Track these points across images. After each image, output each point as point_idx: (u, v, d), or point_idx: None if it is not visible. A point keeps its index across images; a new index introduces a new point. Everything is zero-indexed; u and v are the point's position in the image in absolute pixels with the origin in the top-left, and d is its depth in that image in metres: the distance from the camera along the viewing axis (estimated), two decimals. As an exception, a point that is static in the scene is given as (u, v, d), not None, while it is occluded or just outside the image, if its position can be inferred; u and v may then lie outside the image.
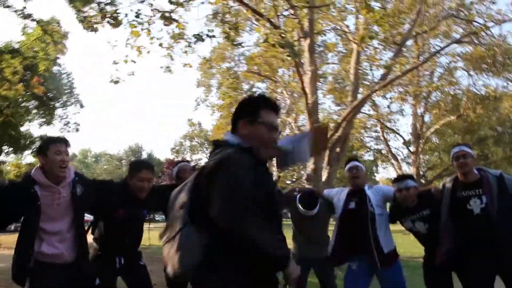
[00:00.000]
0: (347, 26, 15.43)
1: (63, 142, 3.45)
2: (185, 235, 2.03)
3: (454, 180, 4.04)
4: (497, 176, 3.86)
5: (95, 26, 7.64)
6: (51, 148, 3.35)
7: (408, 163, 28.20)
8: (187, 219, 2.07)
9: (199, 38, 7.56)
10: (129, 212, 3.89)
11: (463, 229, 3.85)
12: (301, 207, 4.62)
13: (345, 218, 4.36)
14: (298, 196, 4.71)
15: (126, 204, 3.88)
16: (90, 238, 3.80)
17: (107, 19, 7.73)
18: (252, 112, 2.27)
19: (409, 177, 4.29)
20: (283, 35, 7.42)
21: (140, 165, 4.06)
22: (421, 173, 26.57)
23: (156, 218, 31.87)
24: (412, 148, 25.43)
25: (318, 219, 4.74)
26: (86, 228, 3.84)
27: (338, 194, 4.60)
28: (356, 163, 4.55)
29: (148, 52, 8.77)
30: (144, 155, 55.33)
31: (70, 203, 3.38)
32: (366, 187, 4.43)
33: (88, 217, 4.18)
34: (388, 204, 4.51)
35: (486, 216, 3.74)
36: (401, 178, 4.29)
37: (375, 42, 15.82)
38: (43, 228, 3.28)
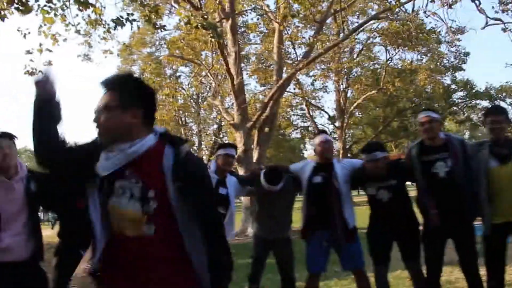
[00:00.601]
0: (268, 6, 15.40)
1: (2, 136, 3.30)
2: None
3: (419, 144, 4.02)
4: (460, 140, 3.98)
5: (2, 13, 6.95)
6: None
7: (334, 138, 29.05)
8: None
9: (118, 22, 7.10)
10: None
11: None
12: (265, 183, 4.44)
13: (310, 192, 4.26)
14: (263, 171, 4.54)
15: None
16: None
17: (15, 5, 7.08)
18: None
19: (378, 147, 4.18)
20: (205, 16, 7.17)
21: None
22: (347, 147, 27.45)
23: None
24: (337, 124, 26.18)
25: (282, 196, 4.54)
26: (51, 225, 3.72)
27: (304, 167, 4.44)
28: (326, 136, 4.45)
29: (65, 40, 8.23)
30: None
31: (24, 200, 3.26)
32: (335, 161, 4.31)
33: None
34: None
35: (451, 179, 3.82)
36: (369, 148, 4.18)
37: (296, 21, 16.00)
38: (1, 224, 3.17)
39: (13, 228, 3.19)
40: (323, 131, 4.57)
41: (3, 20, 6.88)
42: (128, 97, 1.86)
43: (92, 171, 1.87)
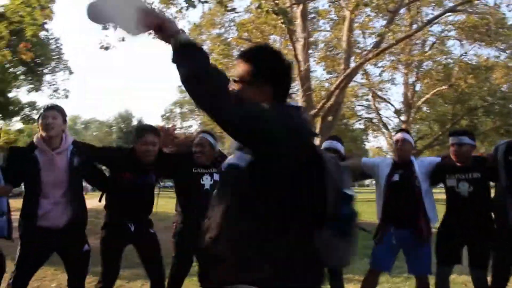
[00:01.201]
0: (340, -7, 15.18)
1: (50, 108, 3.57)
2: None
3: (508, 143, 3.93)
4: None
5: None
6: (41, 115, 3.56)
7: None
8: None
9: (190, 3, 7.32)
10: (136, 177, 3.88)
11: None
12: None
13: (388, 190, 4.15)
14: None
15: (133, 169, 3.87)
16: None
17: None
18: None
19: (467, 133, 4.11)
20: (276, 1, 7.24)
21: (143, 129, 4.01)
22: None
23: (165, 185, 31.63)
24: (403, 117, 25.49)
25: None
26: (99, 197, 4.00)
27: (381, 163, 4.38)
28: (405, 135, 4.30)
29: (138, 17, 8.54)
30: (134, 122, 55.00)
31: (66, 172, 3.48)
32: (413, 159, 4.23)
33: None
34: None
35: None
36: (457, 132, 4.15)
37: (368, 10, 15.66)
38: (42, 191, 3.42)
39: (52, 196, 3.43)
40: (404, 130, 4.49)
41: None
42: (258, 71, 1.78)
43: None
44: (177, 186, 4.35)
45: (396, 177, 4.13)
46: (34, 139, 3.53)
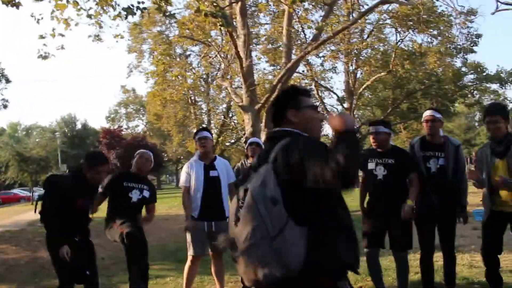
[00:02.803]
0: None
1: None
2: (290, 234, 1.92)
3: (421, 139, 4.50)
4: (455, 145, 4.37)
5: (16, 0, 7.08)
6: None
7: (342, 119, 29.06)
8: (286, 216, 1.94)
9: (129, 12, 7.20)
10: (87, 200, 4.19)
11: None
12: None
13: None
14: None
15: (83, 193, 4.11)
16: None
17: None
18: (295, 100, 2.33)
19: (383, 122, 4.66)
20: (215, 4, 7.26)
21: (97, 159, 4.25)
22: (355, 127, 27.49)
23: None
24: (346, 105, 26.19)
25: None
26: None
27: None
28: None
29: (77, 24, 8.33)
30: (79, 125, 53.36)
31: None
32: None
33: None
34: None
35: (440, 176, 4.31)
36: (374, 123, 4.67)
37: (305, 3, 15.93)
38: None
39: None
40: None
41: (18, 8, 7.03)
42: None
43: None
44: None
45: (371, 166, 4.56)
46: None
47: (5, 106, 20.55)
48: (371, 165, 4.51)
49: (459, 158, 4.34)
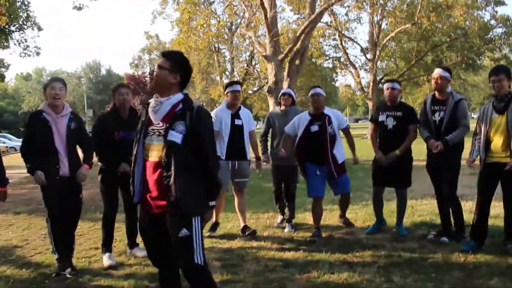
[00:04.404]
0: None
1: (58, 80, 4.48)
2: None
3: (432, 96, 5.05)
4: (455, 100, 4.83)
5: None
6: (48, 86, 4.38)
7: (365, 70, 29.02)
8: None
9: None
10: (122, 133, 4.69)
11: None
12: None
13: (307, 137, 5.26)
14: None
15: (119, 127, 4.70)
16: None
17: None
18: None
19: (397, 81, 5.52)
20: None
21: (116, 86, 4.90)
22: (378, 79, 27.47)
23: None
24: (369, 56, 26.11)
25: None
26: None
27: (299, 120, 5.39)
28: (318, 90, 5.37)
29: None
30: (103, 71, 54.13)
31: (65, 133, 4.34)
32: (326, 110, 5.34)
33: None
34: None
35: (440, 127, 4.85)
36: (390, 80, 5.52)
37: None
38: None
39: (60, 153, 4.32)
40: (317, 86, 5.61)
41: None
42: (174, 64, 2.77)
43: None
44: None
45: (315, 128, 5.23)
46: (41, 106, 4.40)
47: (37, 54, 21.11)
48: (382, 117, 5.31)
49: (457, 112, 4.79)
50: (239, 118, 5.48)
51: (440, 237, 4.93)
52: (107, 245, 4.77)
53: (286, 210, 5.87)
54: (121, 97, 4.74)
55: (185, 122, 2.68)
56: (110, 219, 4.81)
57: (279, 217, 6.05)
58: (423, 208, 6.56)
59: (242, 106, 5.74)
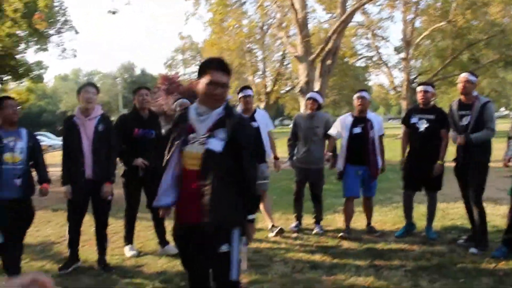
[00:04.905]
0: None
1: (91, 85, 4.74)
2: None
3: (459, 100, 4.96)
4: (481, 103, 4.74)
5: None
6: (82, 90, 4.58)
7: (399, 69, 28.61)
8: None
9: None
10: (141, 131, 5.04)
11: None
12: None
13: (349, 139, 5.44)
14: None
15: (139, 124, 5.04)
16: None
17: None
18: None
19: (431, 85, 5.58)
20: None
21: (136, 88, 5.30)
22: (411, 78, 27.02)
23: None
24: (402, 55, 25.73)
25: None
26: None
27: (342, 122, 5.55)
28: (363, 93, 5.50)
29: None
30: (137, 72, 55.18)
31: (92, 135, 4.48)
32: (369, 115, 5.49)
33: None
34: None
35: (466, 131, 4.76)
36: (423, 83, 5.55)
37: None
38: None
39: (86, 155, 4.47)
40: (362, 89, 5.73)
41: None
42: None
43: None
44: None
45: (357, 130, 5.38)
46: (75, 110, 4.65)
47: (74, 56, 21.91)
48: (413, 119, 5.34)
49: (483, 115, 4.69)
50: (254, 121, 5.51)
51: (470, 242, 4.84)
52: (128, 238, 5.18)
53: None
54: (141, 98, 5.08)
55: (226, 129, 2.56)
56: (130, 217, 5.16)
57: (294, 222, 5.94)
58: (454, 211, 6.47)
59: (257, 109, 5.84)
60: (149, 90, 5.26)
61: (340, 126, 5.53)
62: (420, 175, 5.25)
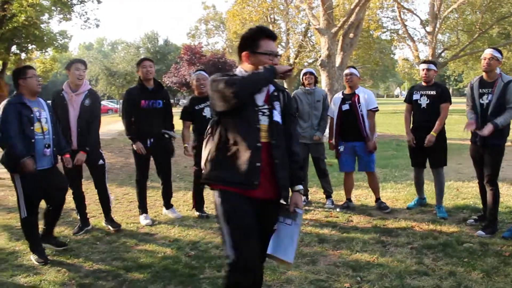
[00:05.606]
0: None
1: (81, 62, 4.92)
2: None
3: (480, 78, 4.80)
4: (504, 82, 4.58)
5: None
6: (72, 66, 4.80)
7: (424, 43, 27.94)
8: None
9: None
10: (148, 102, 5.23)
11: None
12: None
13: (339, 116, 5.66)
14: None
15: (145, 96, 5.23)
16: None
17: None
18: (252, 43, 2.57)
19: (433, 62, 5.63)
20: None
21: (140, 60, 5.39)
22: (437, 53, 26.41)
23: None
24: (429, 28, 25.09)
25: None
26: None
27: (334, 101, 5.77)
28: (351, 69, 5.70)
29: None
30: (161, 42, 55.08)
31: (79, 109, 4.76)
32: (357, 90, 5.64)
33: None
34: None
35: (487, 109, 4.63)
36: (426, 61, 5.62)
37: None
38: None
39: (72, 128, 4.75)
40: (351, 66, 5.91)
41: None
42: None
43: None
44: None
45: (346, 107, 5.59)
46: (64, 84, 4.88)
47: (97, 26, 22.03)
48: (416, 96, 5.45)
49: (506, 94, 4.52)
50: None
51: (480, 222, 4.85)
52: (142, 207, 5.39)
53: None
54: (145, 70, 5.23)
55: (279, 103, 2.58)
56: (141, 186, 5.41)
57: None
58: (468, 191, 6.46)
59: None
60: (152, 62, 5.39)
61: (333, 105, 5.76)
62: (422, 152, 5.36)
